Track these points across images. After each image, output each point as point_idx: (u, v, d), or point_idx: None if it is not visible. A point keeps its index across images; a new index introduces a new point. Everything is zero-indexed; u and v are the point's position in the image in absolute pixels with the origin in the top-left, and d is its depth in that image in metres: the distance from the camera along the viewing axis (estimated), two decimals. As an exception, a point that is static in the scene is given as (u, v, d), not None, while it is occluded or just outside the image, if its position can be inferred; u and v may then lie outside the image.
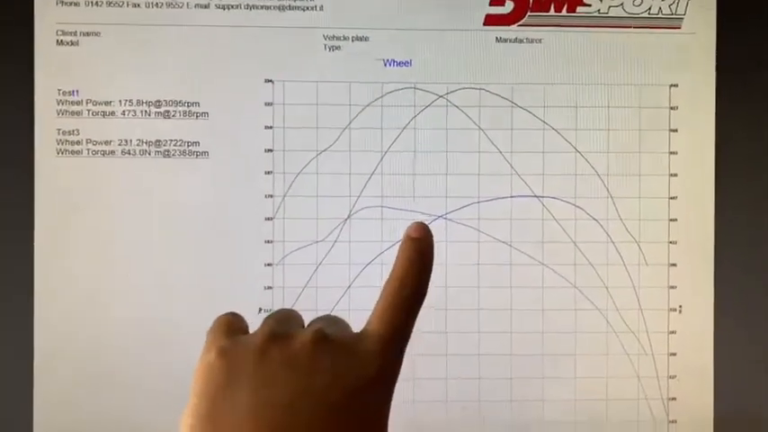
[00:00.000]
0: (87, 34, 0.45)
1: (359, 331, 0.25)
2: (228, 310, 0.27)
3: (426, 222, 0.27)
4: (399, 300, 0.25)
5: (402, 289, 0.25)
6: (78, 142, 0.45)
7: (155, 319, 0.45)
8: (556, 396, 0.47)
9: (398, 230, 0.46)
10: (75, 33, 0.45)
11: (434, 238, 0.45)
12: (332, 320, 0.26)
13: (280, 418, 0.22)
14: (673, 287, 0.47)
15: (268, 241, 0.46)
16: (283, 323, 0.25)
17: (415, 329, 0.45)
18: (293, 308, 0.45)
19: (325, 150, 0.46)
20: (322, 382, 0.22)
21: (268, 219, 0.46)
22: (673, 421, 0.47)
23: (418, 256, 0.26)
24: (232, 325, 0.25)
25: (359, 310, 0.46)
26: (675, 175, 0.47)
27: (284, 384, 0.22)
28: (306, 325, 0.26)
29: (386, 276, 0.45)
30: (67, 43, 0.45)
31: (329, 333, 0.24)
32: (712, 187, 0.47)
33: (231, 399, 0.22)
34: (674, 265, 0.47)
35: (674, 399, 0.47)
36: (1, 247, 0.45)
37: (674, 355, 0.47)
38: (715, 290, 0.47)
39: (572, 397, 0.47)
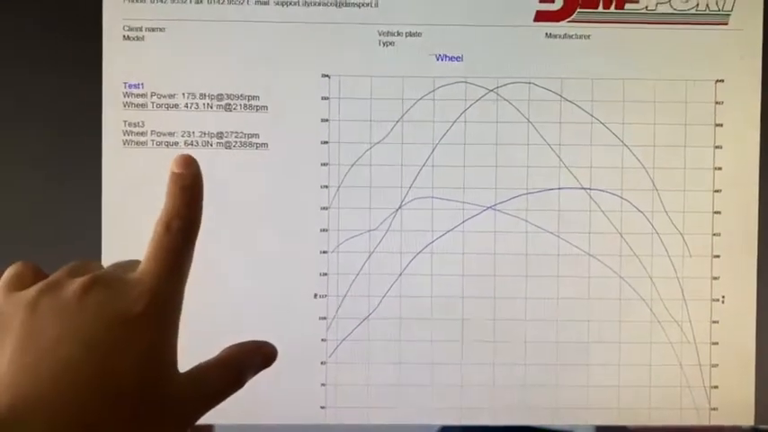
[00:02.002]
0: (152, 30, 0.47)
1: (137, 270, 0.25)
2: (23, 262, 0.26)
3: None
4: (166, 238, 0.25)
5: (167, 230, 0.25)
6: (143, 133, 0.47)
7: (215, 306, 0.47)
8: (600, 383, 0.48)
9: (449, 221, 0.48)
10: (140, 29, 0.47)
11: (484, 229, 0.47)
12: (119, 263, 0.26)
13: (40, 363, 0.22)
14: (716, 278, 0.48)
15: (323, 230, 0.48)
16: (69, 271, 0.25)
17: (462, 317, 0.48)
18: (347, 293, 0.47)
19: (378, 143, 0.48)
20: (86, 322, 0.23)
21: (323, 208, 0.48)
22: (714, 409, 0.48)
23: (180, 191, 0.26)
24: (16, 279, 0.25)
25: (410, 297, 0.48)
26: (720, 168, 0.48)
27: (50, 331, 0.22)
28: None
29: (436, 266, 0.48)
30: (134, 38, 0.47)
31: (100, 274, 0.24)
32: (756, 181, 0.48)
33: None
34: (718, 256, 0.48)
35: (715, 387, 0.48)
36: (70, 237, 0.47)
37: (717, 344, 0.48)
38: (758, 281, 0.48)
39: (616, 383, 0.48)
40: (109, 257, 0.47)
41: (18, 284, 0.24)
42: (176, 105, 0.47)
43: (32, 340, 0.22)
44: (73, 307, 0.23)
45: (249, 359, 0.28)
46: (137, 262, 0.26)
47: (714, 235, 0.48)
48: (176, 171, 0.27)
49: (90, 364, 0.22)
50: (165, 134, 0.47)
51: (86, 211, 0.47)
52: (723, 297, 0.48)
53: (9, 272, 0.25)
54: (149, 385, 0.23)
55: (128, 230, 0.47)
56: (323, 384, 0.48)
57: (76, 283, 0.24)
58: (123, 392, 0.23)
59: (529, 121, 0.48)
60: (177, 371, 0.25)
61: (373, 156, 0.48)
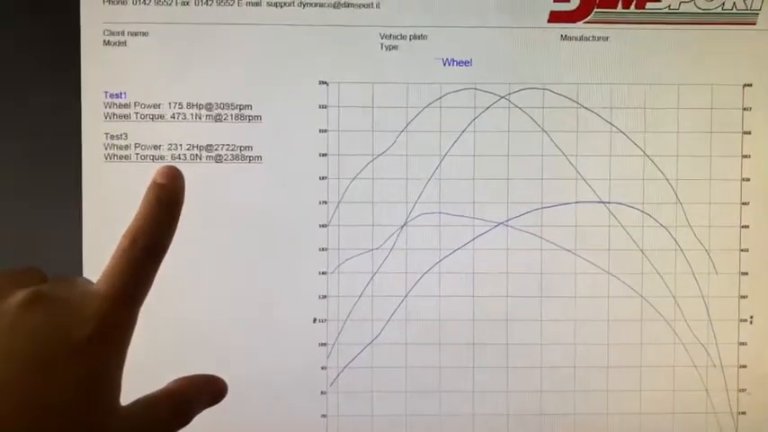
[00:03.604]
0: (135, 34, 0.44)
1: (89, 287, 0.23)
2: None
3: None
4: (129, 256, 0.23)
5: (133, 244, 0.23)
6: (126, 147, 0.44)
7: (205, 329, 0.44)
8: (620, 409, 0.45)
9: (458, 238, 0.45)
10: (122, 33, 0.43)
11: (496, 246, 0.44)
12: (66, 279, 0.24)
13: None
14: (744, 297, 0.45)
15: (323, 249, 0.44)
16: (11, 280, 0.23)
17: (473, 342, 0.44)
18: (348, 317, 0.44)
19: (381, 154, 0.44)
20: (28, 343, 0.21)
21: (322, 225, 0.44)
22: (742, 436, 0.45)
23: (156, 203, 0.24)
24: None
25: (416, 320, 0.45)
26: (748, 179, 0.45)
27: None
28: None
29: (444, 286, 0.44)
30: (115, 44, 0.44)
31: (46, 291, 0.22)
32: (787, 192, 0.45)
33: None
34: (746, 273, 0.45)
35: (743, 413, 0.45)
36: (49, 256, 0.43)
37: (745, 367, 0.45)
38: (788, 300, 0.45)
39: (637, 410, 0.45)
40: (91, 277, 0.43)
41: None
42: (162, 116, 0.44)
43: None
44: (10, 322, 0.21)
45: (198, 394, 0.25)
46: (87, 280, 0.24)
47: (742, 251, 0.45)
48: (158, 181, 0.24)
49: (19, 390, 0.20)
50: (149, 147, 0.44)
51: (66, 231, 0.43)
52: (751, 317, 0.45)
53: None
54: (84, 417, 0.21)
55: (110, 250, 0.44)
56: (323, 416, 0.44)
57: (19, 298, 0.21)
58: (54, 423, 0.20)
59: (543, 130, 0.44)
60: (119, 404, 0.23)
61: (376, 168, 0.44)
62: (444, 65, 0.44)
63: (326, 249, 0.44)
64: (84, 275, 0.43)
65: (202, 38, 0.44)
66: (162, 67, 0.44)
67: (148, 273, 0.24)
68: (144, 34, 0.44)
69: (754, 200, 0.45)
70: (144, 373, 0.44)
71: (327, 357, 0.44)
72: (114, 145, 0.44)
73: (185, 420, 0.24)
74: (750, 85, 0.45)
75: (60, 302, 0.22)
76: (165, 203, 0.24)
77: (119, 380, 0.23)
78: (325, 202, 0.44)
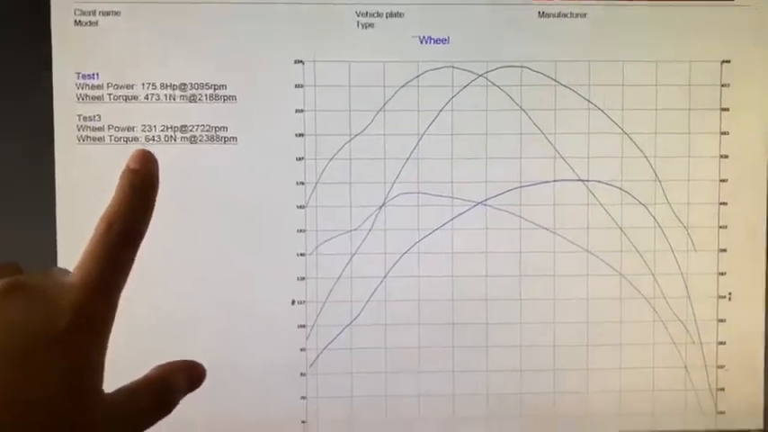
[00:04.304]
0: (107, 14, 0.43)
1: (66, 277, 0.23)
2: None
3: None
4: (105, 242, 0.23)
5: (108, 229, 0.23)
6: (100, 129, 0.43)
7: (180, 312, 0.43)
8: (600, 387, 0.45)
9: (436, 218, 0.44)
10: (93, 13, 0.43)
11: (475, 226, 0.44)
12: (45, 270, 0.24)
13: None
14: (722, 274, 0.45)
15: (300, 230, 0.44)
16: None
17: (452, 322, 0.44)
18: (327, 299, 0.44)
19: (358, 134, 0.44)
20: (6, 336, 0.20)
21: (300, 207, 0.44)
22: (721, 412, 0.46)
23: (131, 189, 0.24)
24: None
25: (395, 301, 0.44)
26: (726, 156, 0.45)
27: None
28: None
29: (423, 267, 0.44)
30: (86, 23, 0.43)
31: (25, 282, 0.22)
32: (765, 169, 0.45)
33: None
34: (724, 250, 0.45)
35: (722, 389, 0.46)
36: (23, 240, 0.43)
37: (723, 344, 0.45)
38: (767, 276, 0.45)
39: (617, 388, 0.45)
40: (65, 261, 0.43)
41: None
42: (135, 97, 0.43)
43: None
44: None
45: (177, 380, 0.25)
46: (63, 269, 0.24)
47: (720, 228, 0.45)
48: (131, 166, 0.24)
49: (12, 379, 0.20)
50: (123, 129, 0.43)
51: (39, 215, 0.43)
52: (730, 294, 0.45)
53: None
54: (69, 410, 0.21)
55: (85, 236, 0.43)
56: (303, 397, 0.44)
57: None
58: (37, 418, 0.20)
59: (521, 109, 0.44)
60: (102, 393, 0.22)
61: (353, 149, 0.44)
62: (421, 43, 0.44)
63: (304, 231, 0.44)
64: (58, 259, 0.43)
65: (176, 17, 0.43)
66: (135, 48, 0.43)
67: (125, 259, 0.23)
68: (116, 14, 0.43)
69: (733, 177, 0.45)
70: (122, 360, 0.43)
71: (306, 339, 0.44)
72: (87, 127, 0.43)
73: (168, 407, 0.24)
74: (728, 61, 0.45)
75: (37, 292, 0.21)
76: (140, 188, 0.24)
77: (101, 369, 0.22)
78: (303, 183, 0.44)
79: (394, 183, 0.44)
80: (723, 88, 0.45)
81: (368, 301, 0.44)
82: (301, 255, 0.44)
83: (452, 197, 0.44)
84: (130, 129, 0.43)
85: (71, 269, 0.23)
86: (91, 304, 0.22)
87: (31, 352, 0.20)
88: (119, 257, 0.23)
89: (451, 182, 0.44)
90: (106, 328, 0.23)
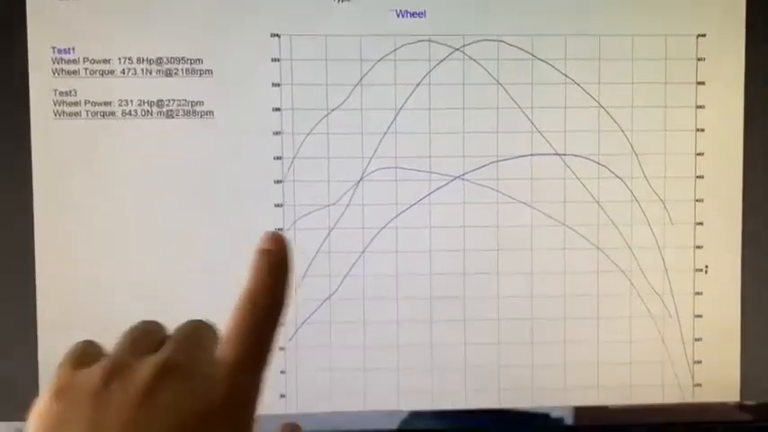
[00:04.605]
0: (82, -12, 0.43)
1: (213, 353, 0.23)
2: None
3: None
4: (250, 321, 0.23)
5: (253, 309, 0.23)
6: (76, 103, 0.43)
7: (157, 289, 0.43)
8: (578, 360, 0.45)
9: (414, 192, 0.44)
10: (68, -13, 0.43)
11: (452, 200, 0.44)
12: (192, 338, 0.24)
13: None
14: (699, 247, 0.45)
15: (278, 205, 0.44)
16: (133, 348, 0.23)
17: (430, 296, 0.44)
18: (306, 273, 0.44)
19: (335, 109, 0.44)
20: (157, 419, 0.20)
21: (277, 182, 0.44)
22: (698, 385, 0.46)
23: (270, 270, 0.24)
24: (81, 357, 0.22)
25: (373, 275, 0.45)
26: (702, 130, 0.45)
27: (119, 427, 0.20)
28: (166, 337, 0.24)
29: (401, 241, 0.44)
30: (61, -2, 0.43)
31: (175, 361, 0.22)
32: (741, 143, 0.45)
33: None
34: (701, 223, 0.45)
35: (699, 362, 0.46)
36: (-1, 215, 0.43)
37: (700, 317, 0.46)
38: (743, 249, 0.45)
39: (594, 361, 0.45)
40: (43, 245, 0.43)
41: (82, 363, 0.22)
42: (112, 72, 0.43)
43: None
44: (143, 400, 0.20)
45: None
46: (210, 332, 0.24)
47: (697, 201, 0.45)
48: (265, 248, 0.25)
49: None
50: (100, 104, 0.43)
51: (15, 193, 0.43)
52: (706, 267, 0.45)
53: (73, 348, 0.23)
54: None
55: (64, 213, 0.43)
56: (282, 372, 0.44)
57: (147, 371, 0.21)
58: None
59: (498, 83, 0.44)
60: None
61: (331, 123, 0.44)
62: (398, 16, 0.44)
63: (282, 206, 0.44)
64: (36, 237, 0.43)
65: (151, -9, 0.43)
66: (111, 21, 0.43)
67: (270, 337, 0.23)
68: (91, -12, 0.43)
69: (709, 150, 0.45)
70: (94, 334, 0.43)
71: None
72: (64, 101, 0.43)
73: None
74: (704, 35, 0.45)
75: (191, 373, 0.21)
76: (276, 267, 0.24)
77: None
78: (280, 158, 0.44)
79: (371, 158, 0.44)
80: (699, 62, 0.45)
81: (346, 276, 0.44)
82: (279, 230, 0.44)
83: (430, 172, 0.44)
84: (107, 103, 0.43)
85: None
86: (242, 383, 0.22)
87: None
88: (264, 336, 0.23)
89: (429, 156, 0.44)
90: (256, 404, 0.23)
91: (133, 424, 0.20)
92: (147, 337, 0.24)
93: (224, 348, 0.23)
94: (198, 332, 0.24)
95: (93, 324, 0.43)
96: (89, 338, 0.24)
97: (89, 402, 0.20)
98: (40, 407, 0.21)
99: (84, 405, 0.20)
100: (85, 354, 0.23)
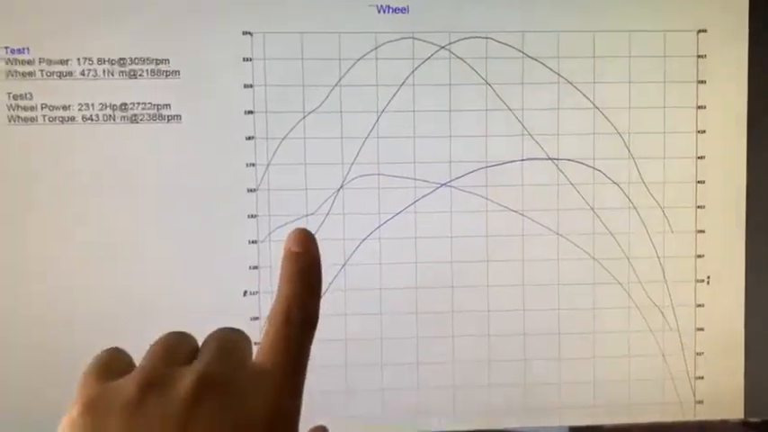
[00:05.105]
0: (36, -18, 0.40)
1: (251, 364, 0.22)
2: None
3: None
4: (285, 330, 0.22)
5: (287, 316, 0.22)
6: (32, 108, 0.40)
7: (125, 304, 0.40)
8: (574, 378, 0.43)
9: (398, 200, 0.42)
10: (22, -19, 0.39)
11: (439, 209, 0.41)
12: (226, 347, 0.22)
13: None
14: (700, 256, 0.43)
15: (252, 216, 0.41)
16: (166, 359, 0.21)
17: (416, 311, 0.42)
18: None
19: (313, 111, 0.41)
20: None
21: (251, 190, 0.41)
22: (700, 401, 0.43)
23: (300, 273, 0.23)
24: (108, 367, 0.21)
25: (356, 290, 0.42)
26: (704, 131, 0.42)
27: None
28: (198, 348, 0.22)
29: (385, 253, 0.41)
30: (14, -7, 0.39)
31: (213, 374, 0.20)
32: (744, 145, 0.43)
33: None
34: (702, 231, 0.43)
35: (701, 377, 0.43)
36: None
37: (702, 330, 0.43)
38: (746, 258, 0.43)
39: (591, 378, 0.43)
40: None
41: (110, 373, 0.21)
42: (71, 73, 0.40)
43: None
44: (183, 415, 0.19)
45: None
46: (243, 342, 0.23)
47: (698, 207, 0.43)
48: (293, 250, 0.23)
49: None
50: (58, 108, 0.40)
51: (-32, 202, 0.40)
52: (708, 277, 0.43)
53: (99, 358, 0.22)
54: None
55: (19, 225, 0.40)
56: (257, 393, 0.41)
57: (186, 387, 0.20)
58: None
59: (487, 83, 0.41)
60: None
61: (308, 127, 0.41)
62: (379, 12, 0.41)
63: (256, 216, 0.41)
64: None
65: (112, -14, 0.40)
66: (69, 19, 0.40)
67: (309, 345, 0.23)
68: (47, -18, 0.40)
69: (711, 153, 0.43)
70: (61, 349, 0.40)
71: (260, 332, 0.41)
72: (18, 106, 0.40)
73: None
74: (705, 30, 0.42)
75: (230, 388, 0.20)
76: (307, 270, 0.23)
77: None
78: (253, 165, 0.41)
79: (352, 164, 0.41)
80: (700, 59, 0.42)
81: (326, 291, 0.41)
82: (253, 242, 0.41)
83: (415, 178, 0.42)
84: (66, 107, 0.40)
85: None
86: (281, 397, 0.21)
87: None
88: (301, 345, 0.22)
89: (414, 162, 0.42)
90: (298, 415, 0.22)
91: None
92: (179, 347, 0.22)
93: (262, 359, 0.22)
94: (232, 343, 0.23)
95: (55, 340, 0.40)
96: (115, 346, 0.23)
97: (124, 415, 0.19)
98: (70, 420, 0.19)
99: (119, 418, 0.19)
100: (113, 363, 0.22)
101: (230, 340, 0.23)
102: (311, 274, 0.23)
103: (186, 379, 0.20)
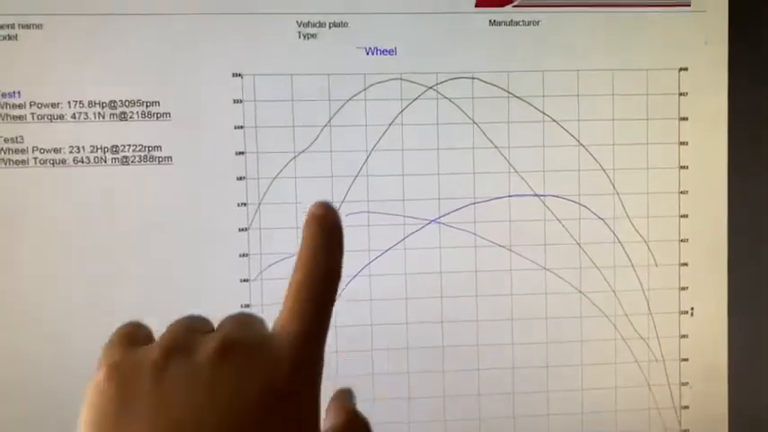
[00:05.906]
0: (27, 27, 0.40)
1: (270, 330, 0.21)
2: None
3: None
4: (309, 291, 0.22)
5: (310, 278, 0.22)
6: (23, 150, 0.40)
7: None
8: (561, 410, 0.43)
9: (388, 237, 0.42)
10: (12, 26, 0.40)
11: (428, 245, 0.42)
12: (243, 320, 0.22)
13: None
14: (684, 288, 0.44)
15: (243, 255, 0.41)
16: (188, 329, 0.21)
17: (407, 344, 0.42)
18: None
19: (303, 152, 0.42)
20: (228, 395, 0.19)
21: (242, 230, 0.41)
22: (685, 431, 0.44)
23: (322, 233, 0.22)
24: (131, 336, 0.21)
25: (346, 326, 0.42)
26: (686, 167, 0.43)
27: (186, 405, 0.19)
28: (215, 326, 0.22)
29: (375, 289, 0.42)
30: (5, 37, 0.40)
31: (236, 337, 0.20)
32: (725, 180, 0.44)
33: (125, 430, 0.18)
34: (686, 264, 0.44)
35: (686, 407, 0.44)
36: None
37: (687, 360, 0.44)
38: (729, 290, 0.44)
39: (579, 410, 0.44)
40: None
41: (134, 341, 0.21)
42: (62, 116, 0.40)
43: (164, 414, 0.19)
44: (208, 376, 0.19)
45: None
46: (258, 318, 0.22)
47: (681, 241, 0.44)
48: (316, 213, 0.23)
49: None
50: (49, 151, 0.40)
51: (-40, 245, 0.40)
52: (692, 309, 0.44)
53: (122, 328, 0.22)
54: None
55: (11, 268, 0.40)
56: (250, 431, 0.42)
57: (210, 348, 0.20)
58: None
59: (473, 122, 0.42)
60: None
61: (298, 167, 0.42)
62: (367, 54, 0.42)
63: (247, 255, 0.42)
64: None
65: (103, 29, 0.40)
66: (59, 63, 0.40)
67: (330, 307, 0.22)
68: (37, 27, 0.40)
69: (693, 188, 0.44)
70: (50, 392, 0.41)
71: (253, 369, 0.42)
72: (9, 149, 0.40)
73: None
74: (686, 69, 0.43)
75: (249, 348, 0.20)
76: (329, 231, 0.23)
77: (317, 421, 0.21)
78: (245, 204, 0.41)
79: (342, 202, 0.42)
80: (681, 97, 0.43)
81: (317, 327, 0.42)
82: (245, 281, 0.42)
83: (404, 215, 0.42)
84: (57, 150, 0.40)
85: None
86: (305, 357, 0.21)
87: (255, 412, 0.19)
88: (326, 307, 0.22)
89: (403, 199, 0.42)
90: (320, 379, 0.21)
91: (196, 398, 0.19)
92: (198, 322, 0.23)
93: (284, 321, 0.21)
94: (248, 316, 0.23)
95: (40, 381, 0.40)
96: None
97: (150, 378, 0.19)
98: (94, 388, 0.19)
99: (145, 381, 0.19)
100: (135, 333, 0.22)
101: (247, 315, 0.23)
102: (333, 235, 0.23)
103: (210, 343, 0.20)
